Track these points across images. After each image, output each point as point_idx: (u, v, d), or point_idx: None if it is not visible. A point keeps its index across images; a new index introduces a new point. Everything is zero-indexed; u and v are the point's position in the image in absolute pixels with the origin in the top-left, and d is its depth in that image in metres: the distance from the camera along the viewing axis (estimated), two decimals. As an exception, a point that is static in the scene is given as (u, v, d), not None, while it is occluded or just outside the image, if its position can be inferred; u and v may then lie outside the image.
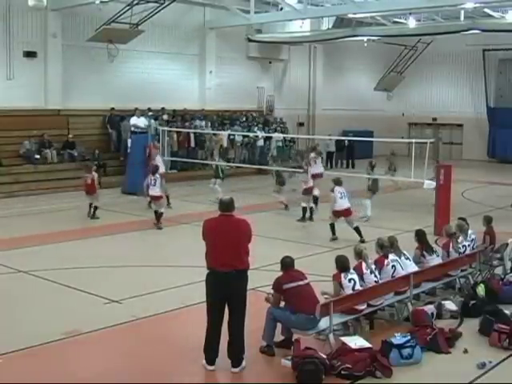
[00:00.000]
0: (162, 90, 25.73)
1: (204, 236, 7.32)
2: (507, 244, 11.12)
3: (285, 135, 28.86)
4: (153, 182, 15.58)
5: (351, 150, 31.29)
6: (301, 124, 32.98)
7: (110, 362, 7.57)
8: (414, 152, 16.17)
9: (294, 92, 32.43)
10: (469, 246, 10.56)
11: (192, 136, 25.57)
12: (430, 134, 33.94)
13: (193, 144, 25.87)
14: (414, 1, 22.54)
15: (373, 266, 8.71)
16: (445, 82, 36.48)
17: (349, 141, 29.71)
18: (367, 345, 7.39)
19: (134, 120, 23.41)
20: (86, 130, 23.89)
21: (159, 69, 26.05)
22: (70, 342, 8.06)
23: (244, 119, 28.62)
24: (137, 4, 21.18)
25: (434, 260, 9.85)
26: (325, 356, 7.15)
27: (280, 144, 29.06)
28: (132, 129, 23.29)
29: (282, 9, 26.82)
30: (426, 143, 16.40)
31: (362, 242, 13.06)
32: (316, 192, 17.36)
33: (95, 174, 16.66)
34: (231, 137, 26.69)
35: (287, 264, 7.80)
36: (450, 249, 10.21)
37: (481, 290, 9.53)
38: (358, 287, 8.16)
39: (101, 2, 21.43)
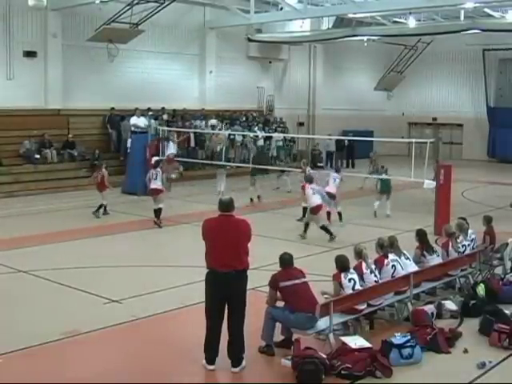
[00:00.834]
0: (162, 90, 25.75)
1: (204, 236, 7.32)
2: (507, 244, 11.12)
3: (285, 135, 28.87)
4: (154, 175, 15.62)
5: (351, 150, 31.30)
6: (301, 124, 32.99)
7: (110, 362, 7.56)
8: (414, 152, 16.17)
9: (293, 92, 32.45)
10: (469, 245, 10.56)
11: (192, 136, 25.58)
12: (429, 134, 33.91)
13: (193, 144, 25.89)
14: (414, 1, 22.55)
15: (373, 266, 8.71)
16: (445, 82, 36.49)
17: (349, 140, 29.70)
18: (367, 345, 7.39)
19: (134, 120, 23.42)
20: (86, 130, 23.91)
21: (159, 69, 26.06)
22: (70, 341, 8.06)
23: (244, 119, 28.63)
24: (137, 4, 21.20)
25: (434, 260, 9.84)
26: (325, 356, 7.15)
27: (280, 144, 29.09)
28: (132, 129, 23.30)
29: (281, 9, 26.83)
30: (426, 143, 16.39)
31: (332, 239, 13.83)
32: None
33: (105, 172, 16.69)
34: (231, 137, 26.70)
35: (285, 261, 7.77)
36: (450, 248, 10.21)
37: (481, 289, 9.53)
38: (357, 287, 8.15)
39: (101, 1, 21.46)
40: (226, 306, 7.18)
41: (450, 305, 9.17)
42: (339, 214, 16.09)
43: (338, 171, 16.78)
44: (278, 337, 7.84)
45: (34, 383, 6.84)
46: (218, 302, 7.15)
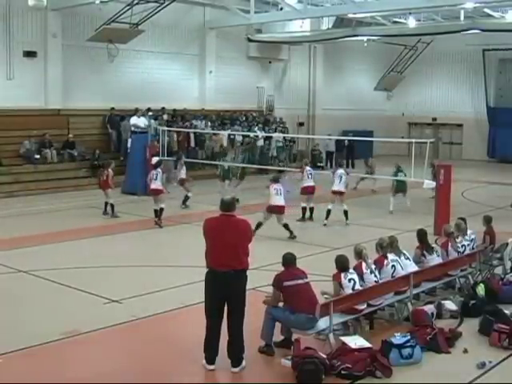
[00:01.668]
0: (162, 90, 25.74)
1: (204, 235, 7.32)
2: (507, 244, 11.12)
3: (285, 135, 28.87)
4: (154, 175, 15.64)
5: (351, 150, 31.27)
6: (301, 124, 32.98)
7: (110, 362, 7.56)
8: (414, 152, 16.18)
9: (294, 92, 32.43)
10: (468, 245, 10.56)
11: (192, 136, 25.57)
12: (429, 134, 33.95)
13: (193, 144, 25.88)
14: (414, 1, 22.55)
15: (373, 266, 8.71)
16: (445, 82, 36.49)
17: (349, 141, 29.70)
18: (367, 345, 7.39)
19: (134, 120, 23.42)
20: (86, 130, 23.90)
21: (159, 69, 26.05)
22: (70, 341, 8.06)
23: (244, 119, 28.62)
24: (137, 4, 21.20)
25: (434, 260, 9.84)
26: (325, 356, 7.15)
27: (280, 144, 29.09)
28: (132, 128, 23.30)
29: (281, 9, 26.83)
30: (426, 143, 16.40)
31: (293, 238, 13.98)
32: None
33: (111, 172, 16.69)
34: (231, 137, 26.70)
35: (288, 260, 7.79)
36: (449, 248, 10.22)
37: (481, 289, 9.53)
38: (357, 287, 8.15)
39: (101, 1, 21.45)
40: (226, 306, 7.18)
41: (450, 305, 9.18)
42: (345, 212, 16.06)
43: (341, 166, 16.98)
44: (278, 337, 7.84)
45: (33, 383, 6.84)
46: (217, 301, 7.15)
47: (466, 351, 7.80)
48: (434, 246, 10.23)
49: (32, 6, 19.33)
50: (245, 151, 26.39)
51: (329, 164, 29.98)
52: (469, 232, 10.83)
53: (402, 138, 32.89)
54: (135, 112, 23.64)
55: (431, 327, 8.10)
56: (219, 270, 7.06)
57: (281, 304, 7.73)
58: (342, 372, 7.03)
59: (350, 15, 26.14)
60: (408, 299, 8.95)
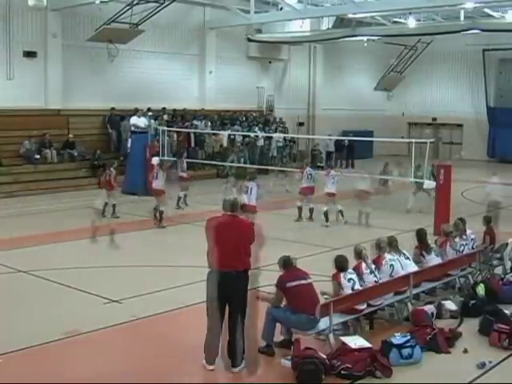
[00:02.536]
0: (162, 90, 25.74)
1: (206, 235, 7.31)
2: (507, 244, 11.12)
3: (285, 135, 28.87)
4: (155, 174, 15.59)
5: (351, 150, 31.28)
6: (301, 124, 32.98)
7: (110, 362, 7.56)
8: (414, 152, 16.18)
9: (294, 92, 32.43)
10: (467, 245, 10.55)
11: (192, 136, 25.56)
12: (429, 134, 33.94)
13: (193, 144, 25.87)
14: (414, 1, 22.55)
15: (373, 266, 8.71)
16: (445, 82, 36.49)
17: (348, 141, 29.70)
18: (367, 345, 7.39)
19: (134, 120, 23.40)
20: (86, 130, 23.91)
21: (159, 69, 26.05)
22: (70, 342, 8.06)
23: (244, 119, 28.62)
24: (137, 4, 21.20)
25: (434, 260, 9.84)
26: (325, 356, 7.15)
27: (280, 144, 29.09)
28: (132, 128, 23.29)
29: (281, 9, 26.83)
30: (426, 143, 16.39)
31: None
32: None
33: (113, 171, 16.64)
34: (231, 137, 26.70)
35: (286, 262, 7.80)
36: (447, 247, 10.22)
37: (481, 289, 9.54)
38: (357, 287, 8.15)
39: (101, 1, 21.46)
40: (227, 307, 7.16)
41: (450, 305, 9.18)
42: (340, 212, 16.12)
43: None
44: (278, 337, 7.84)
45: (33, 383, 6.84)
46: (217, 301, 7.13)
47: (465, 351, 7.81)
48: (432, 245, 10.23)
49: (32, 6, 19.33)
50: (243, 151, 26.39)
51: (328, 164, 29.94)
52: (468, 232, 10.82)
53: (402, 138, 32.89)
54: (135, 112, 23.64)
55: (431, 327, 8.11)
56: (221, 270, 7.05)
57: (282, 304, 7.74)
58: (342, 372, 7.03)
59: (350, 15, 26.15)
60: (408, 299, 8.95)
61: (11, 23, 21.75)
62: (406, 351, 7.39)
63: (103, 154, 23.28)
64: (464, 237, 10.64)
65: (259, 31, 29.35)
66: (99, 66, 23.93)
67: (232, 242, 7.10)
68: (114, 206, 16.46)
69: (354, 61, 35.24)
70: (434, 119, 36.82)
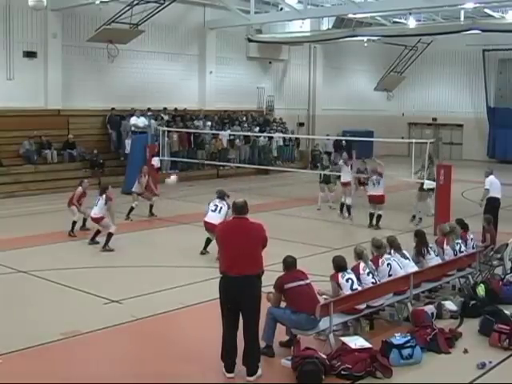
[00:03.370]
0: (162, 91, 25.75)
1: (217, 240, 7.25)
2: (507, 244, 11.14)
3: (285, 135, 28.88)
4: (97, 201, 13.94)
5: (350, 151, 31.16)
6: (301, 124, 32.98)
7: (110, 363, 7.56)
8: (414, 152, 16.19)
9: (294, 92, 32.45)
10: (462, 242, 10.53)
11: (192, 136, 25.57)
12: (430, 135, 33.94)
13: (192, 144, 25.87)
14: (414, 1, 22.55)
15: (373, 267, 8.70)
16: (445, 82, 36.48)
17: (347, 141, 29.66)
18: (367, 345, 7.39)
19: (133, 120, 23.43)
20: (86, 131, 23.90)
21: (159, 69, 26.05)
22: (70, 342, 8.06)
23: (244, 119, 28.62)
24: (137, 4, 21.20)
25: (433, 260, 9.84)
26: (325, 356, 7.15)
27: (281, 144, 29.10)
28: (132, 129, 23.30)
29: (281, 9, 26.85)
30: (426, 143, 16.40)
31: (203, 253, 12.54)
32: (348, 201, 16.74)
33: (79, 189, 16.20)
34: (231, 137, 26.71)
35: (289, 264, 7.78)
36: (445, 246, 10.20)
37: (481, 290, 9.54)
38: (356, 286, 8.14)
39: (101, 2, 21.44)
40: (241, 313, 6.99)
41: (450, 305, 9.18)
42: (347, 207, 16.55)
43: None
44: (283, 337, 7.84)
45: (33, 383, 6.84)
46: (230, 308, 6.94)
47: (466, 351, 7.81)
48: (431, 245, 10.22)
49: (32, 6, 19.29)
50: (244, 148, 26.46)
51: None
52: (468, 232, 10.84)
53: (402, 138, 32.90)
54: (133, 112, 23.65)
55: (431, 327, 8.10)
56: (231, 274, 6.87)
57: (282, 304, 7.73)
58: (342, 372, 7.03)
59: (350, 15, 26.15)
60: (408, 299, 8.95)
61: (11, 23, 21.76)
62: (406, 351, 7.39)
63: (104, 155, 23.31)
64: (466, 236, 10.64)
65: (259, 31, 29.36)
66: (99, 66, 23.94)
67: (242, 245, 6.91)
68: (74, 222, 14.57)
69: (354, 61, 35.25)
70: (434, 119, 36.82)
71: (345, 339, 7.53)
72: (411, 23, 26.21)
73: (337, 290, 8.08)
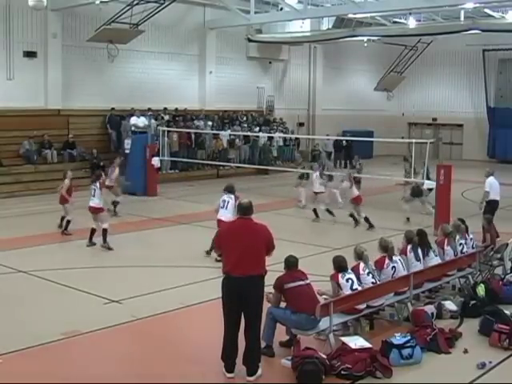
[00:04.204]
0: (162, 91, 25.75)
1: (220, 240, 7.19)
2: (507, 244, 11.14)
3: (285, 135, 28.88)
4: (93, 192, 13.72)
5: (349, 151, 31.21)
6: (301, 124, 32.99)
7: (110, 363, 7.56)
8: (414, 152, 16.20)
9: (294, 92, 32.46)
10: (465, 243, 10.54)
11: (193, 136, 25.58)
12: (430, 135, 33.95)
13: (194, 144, 25.87)
14: (414, 1, 22.55)
15: (373, 268, 8.70)
16: (445, 82, 36.49)
17: (347, 141, 29.68)
18: (367, 345, 7.38)
19: (133, 120, 23.43)
20: (86, 130, 23.90)
21: (159, 69, 26.05)
22: (70, 342, 8.06)
23: (244, 119, 28.63)
24: (137, 4, 21.21)
25: (433, 260, 9.84)
26: (325, 356, 7.15)
27: (281, 143, 29.10)
28: (132, 129, 23.30)
29: (281, 9, 26.83)
30: (426, 143, 16.40)
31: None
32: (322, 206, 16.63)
33: (66, 182, 16.19)
34: (231, 137, 26.71)
35: (291, 264, 7.77)
36: (445, 246, 10.20)
37: (481, 290, 9.53)
38: (356, 286, 8.14)
39: (101, 2, 21.44)
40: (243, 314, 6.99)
41: (450, 305, 9.18)
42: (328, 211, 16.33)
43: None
44: (284, 337, 7.84)
45: (33, 383, 6.84)
46: (233, 307, 6.93)
47: (466, 351, 7.81)
48: (433, 246, 10.23)
49: (32, 6, 19.30)
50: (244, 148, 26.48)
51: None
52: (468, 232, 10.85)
53: (402, 138, 32.88)
54: (133, 112, 23.64)
55: (431, 327, 8.10)
56: (234, 275, 6.86)
57: (283, 304, 7.73)
58: (342, 372, 7.03)
59: (350, 15, 26.16)
60: (408, 299, 8.95)
61: (11, 23, 21.75)
62: (406, 351, 7.39)
63: (103, 155, 23.28)
64: (465, 235, 10.65)
65: (259, 31, 29.36)
66: (99, 66, 23.94)
67: (246, 246, 6.89)
68: (68, 221, 14.48)
69: (354, 61, 35.26)
70: (434, 119, 36.82)
71: (345, 339, 7.53)
72: (411, 23, 26.21)
73: (337, 290, 8.08)
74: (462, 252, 10.37)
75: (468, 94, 35.99)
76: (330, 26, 29.38)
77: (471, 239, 10.78)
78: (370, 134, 30.51)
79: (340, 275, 8.12)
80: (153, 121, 24.02)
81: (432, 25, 27.42)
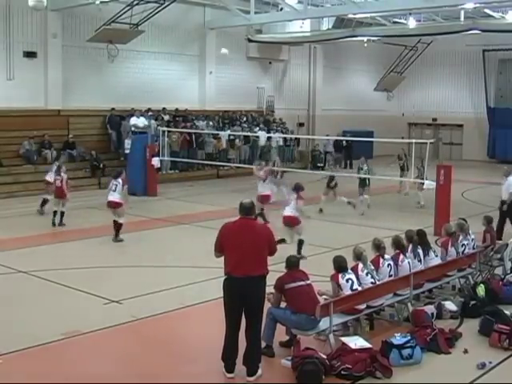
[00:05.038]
0: (162, 91, 25.74)
1: (220, 240, 7.09)
2: (507, 244, 11.13)
3: (285, 135, 28.87)
4: (114, 187, 14.01)
5: (349, 151, 31.24)
6: (301, 124, 32.99)
7: (110, 363, 7.56)
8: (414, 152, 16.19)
9: (294, 92, 32.46)
10: (468, 244, 10.55)
11: (193, 136, 25.58)
12: (430, 135, 33.96)
13: (194, 144, 25.86)
14: (414, 1, 22.53)
15: (372, 268, 8.70)
16: (445, 83, 36.50)
17: (347, 141, 29.68)
18: (367, 345, 7.38)
19: (133, 120, 23.42)
20: (86, 130, 23.89)
21: (159, 69, 26.05)
22: (70, 342, 8.06)
23: (244, 119, 28.62)
24: (137, 4, 21.21)
25: (433, 261, 9.84)
26: (325, 356, 7.15)
27: (281, 143, 29.08)
28: (132, 129, 23.29)
29: (281, 9, 26.83)
30: (426, 143, 16.40)
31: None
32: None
33: (64, 176, 16.08)
34: (231, 137, 26.70)
35: (292, 263, 7.77)
36: (449, 247, 10.20)
37: (481, 290, 9.54)
38: (356, 287, 8.14)
39: (101, 2, 21.43)
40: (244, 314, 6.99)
41: (450, 305, 9.18)
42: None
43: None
44: (284, 337, 7.84)
45: (33, 383, 6.84)
46: (234, 308, 6.93)
47: (466, 351, 7.81)
48: (433, 246, 10.23)
49: (32, 6, 19.30)
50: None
51: (327, 164, 29.90)
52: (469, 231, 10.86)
53: (402, 138, 32.86)
54: (133, 112, 23.63)
55: (431, 328, 8.10)
56: (235, 275, 6.85)
57: (283, 304, 7.73)
58: (342, 372, 7.03)
59: (350, 16, 26.14)
60: (408, 300, 8.96)
61: (11, 23, 21.74)
62: (406, 352, 7.39)
63: (103, 155, 23.29)
64: (467, 236, 10.65)
65: (259, 32, 29.35)
66: (99, 66, 23.94)
67: (247, 246, 6.88)
68: (62, 213, 14.84)
69: (354, 61, 35.26)
70: (434, 119, 36.83)
71: (345, 339, 7.53)
72: (411, 23, 26.20)
73: (337, 291, 8.08)
74: (463, 253, 10.36)
75: (468, 94, 36.00)
76: (330, 26, 29.38)
77: (472, 239, 10.78)
78: (370, 134, 30.51)
79: (340, 275, 8.12)
80: (153, 121, 24.01)
81: (432, 25, 27.42)
